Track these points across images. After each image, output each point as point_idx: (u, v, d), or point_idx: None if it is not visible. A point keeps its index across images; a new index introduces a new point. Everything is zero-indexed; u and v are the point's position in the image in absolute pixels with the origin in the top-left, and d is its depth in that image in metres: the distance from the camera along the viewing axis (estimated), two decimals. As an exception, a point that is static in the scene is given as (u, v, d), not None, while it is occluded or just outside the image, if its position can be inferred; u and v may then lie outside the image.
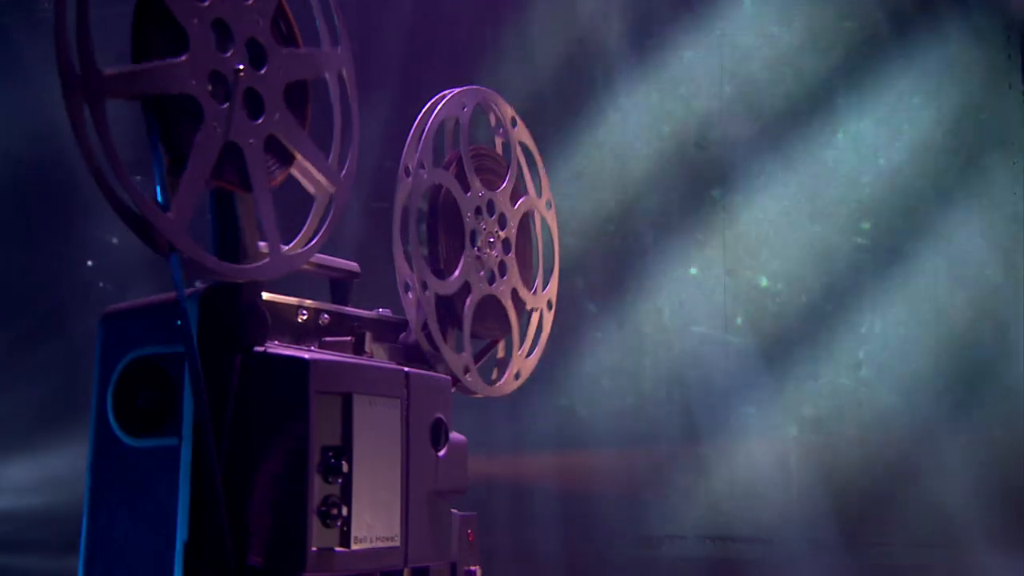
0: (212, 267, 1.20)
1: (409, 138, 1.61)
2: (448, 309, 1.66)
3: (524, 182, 1.86)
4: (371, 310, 1.61)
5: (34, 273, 6.24)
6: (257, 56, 1.30)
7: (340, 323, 1.49)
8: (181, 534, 1.16)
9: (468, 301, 1.67)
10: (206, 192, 1.25)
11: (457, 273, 1.66)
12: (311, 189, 1.42)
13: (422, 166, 1.61)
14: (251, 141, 1.27)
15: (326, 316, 1.47)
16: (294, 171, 1.38)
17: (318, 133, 1.43)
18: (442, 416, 1.47)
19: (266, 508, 1.21)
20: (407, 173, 1.58)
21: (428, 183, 1.63)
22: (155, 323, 1.24)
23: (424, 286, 1.58)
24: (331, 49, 1.46)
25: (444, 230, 1.70)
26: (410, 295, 1.56)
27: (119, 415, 1.23)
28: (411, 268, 1.58)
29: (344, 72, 1.47)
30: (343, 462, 1.24)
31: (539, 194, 1.87)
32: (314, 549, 1.19)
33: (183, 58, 1.17)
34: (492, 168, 1.80)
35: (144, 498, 1.22)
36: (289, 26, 1.40)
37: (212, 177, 1.22)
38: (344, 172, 1.45)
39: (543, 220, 1.89)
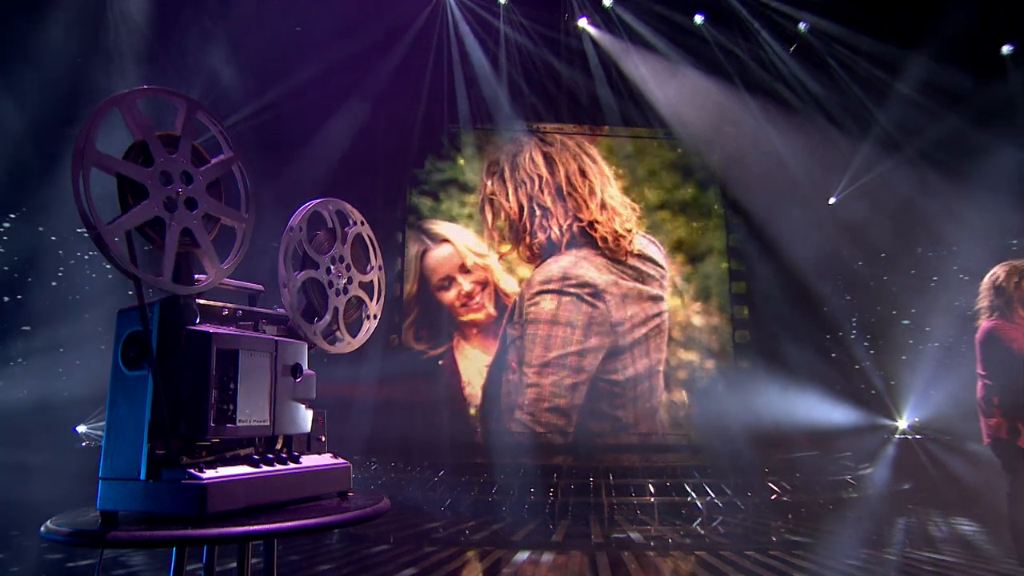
0: (171, 288, 1.49)
1: (293, 216, 1.78)
2: (310, 308, 1.83)
3: (368, 251, 2.00)
4: (271, 309, 1.79)
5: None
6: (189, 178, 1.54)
7: (248, 316, 1.71)
8: (147, 416, 1.42)
9: (328, 307, 1.84)
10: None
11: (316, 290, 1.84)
12: (232, 223, 1.64)
13: (300, 231, 1.78)
14: (194, 222, 1.53)
15: (240, 312, 1.69)
16: (223, 220, 1.61)
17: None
18: (299, 362, 1.67)
19: (190, 404, 1.45)
20: (289, 234, 1.76)
21: (300, 241, 1.79)
22: (138, 317, 1.47)
23: (295, 293, 1.76)
24: (230, 152, 1.65)
25: (309, 268, 1.83)
26: (286, 295, 1.74)
27: (123, 359, 1.48)
28: (286, 280, 1.74)
29: (242, 167, 1.67)
30: (231, 383, 1.51)
31: (377, 258, 2.02)
32: (212, 424, 1.46)
33: (147, 201, 1.45)
34: (346, 237, 1.92)
35: (133, 399, 1.45)
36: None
37: (179, 247, 1.51)
38: (248, 214, 1.67)
39: (376, 273, 2.01)
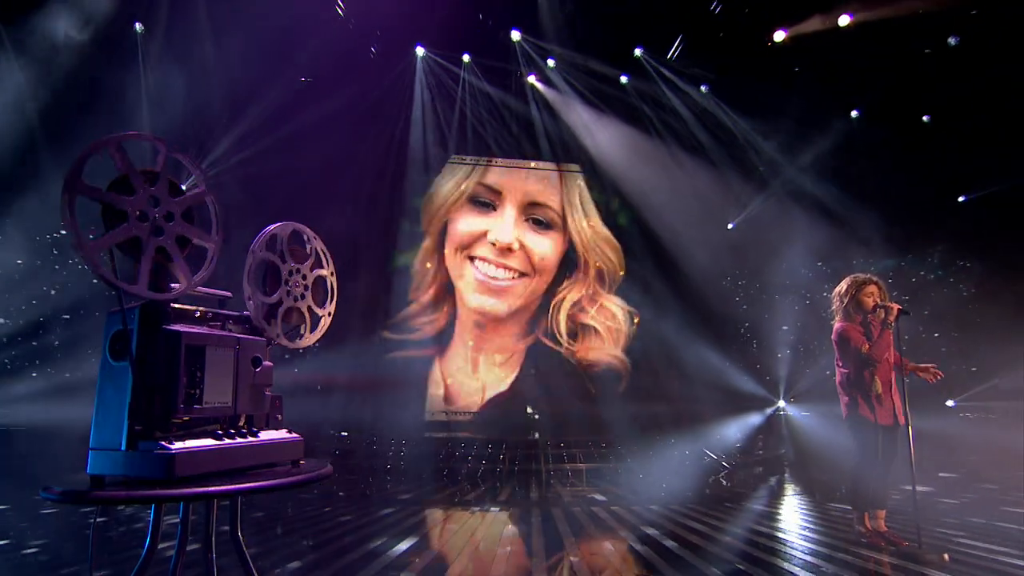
0: (145, 295, 1.50)
1: (255, 240, 1.80)
2: (272, 311, 1.84)
3: (321, 261, 1.99)
4: (240, 312, 1.78)
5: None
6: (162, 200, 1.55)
7: (216, 317, 1.69)
8: (128, 399, 1.42)
9: (281, 308, 1.85)
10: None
11: (276, 296, 1.84)
12: (203, 244, 1.66)
13: (261, 250, 1.81)
14: (168, 242, 1.55)
15: (210, 314, 1.68)
16: (195, 241, 1.63)
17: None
18: (259, 355, 1.67)
19: (163, 389, 1.45)
20: (252, 253, 1.79)
21: (262, 257, 1.82)
22: (121, 319, 1.47)
23: (258, 299, 1.80)
24: (202, 187, 1.66)
25: (271, 277, 1.86)
26: (250, 303, 1.77)
27: (111, 352, 1.49)
28: (251, 292, 1.77)
29: (212, 200, 1.69)
30: (199, 372, 1.51)
31: (328, 267, 2.02)
32: (181, 405, 1.46)
33: (125, 224, 1.48)
34: (300, 254, 1.94)
35: (117, 384, 1.45)
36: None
37: (154, 262, 1.53)
38: (217, 236, 1.68)
39: (328, 279, 2.01)
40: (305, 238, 1.98)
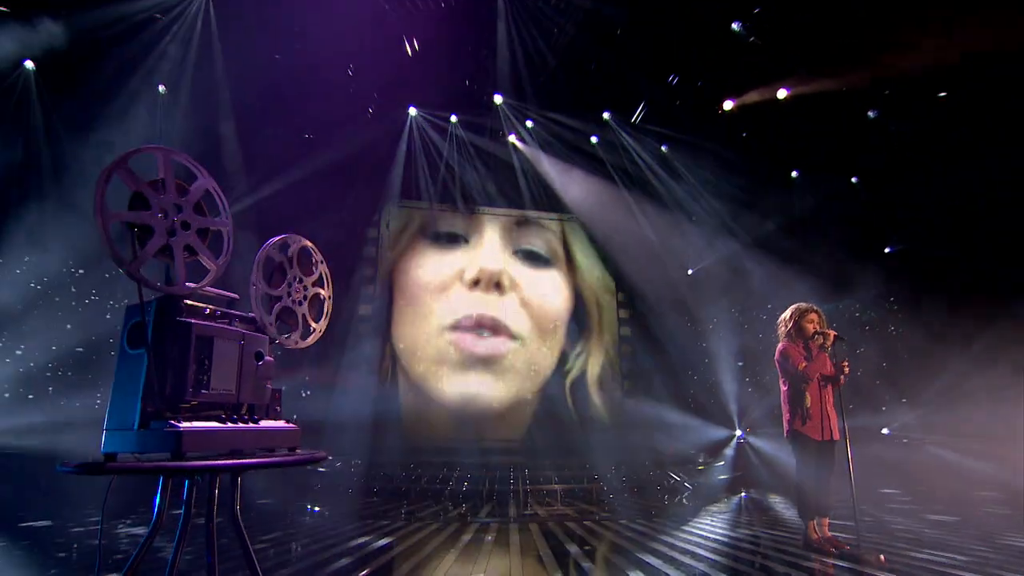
0: (163, 289, 1.54)
1: (269, 240, 1.86)
2: (271, 304, 1.84)
3: (323, 278, 2.02)
4: (246, 312, 1.79)
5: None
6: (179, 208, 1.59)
7: (224, 315, 1.72)
8: (142, 383, 1.44)
9: (279, 304, 1.87)
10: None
11: (279, 291, 1.87)
12: (218, 228, 1.69)
13: (273, 249, 1.85)
14: (192, 238, 1.60)
15: (219, 312, 1.70)
16: (212, 228, 1.67)
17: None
18: (261, 350, 1.69)
19: (174, 375, 1.48)
20: (265, 248, 1.83)
21: (273, 255, 1.86)
22: (139, 311, 1.50)
23: (263, 303, 1.82)
24: (203, 177, 1.68)
25: (277, 275, 1.88)
26: (254, 289, 1.79)
27: (128, 341, 1.50)
28: (256, 279, 1.80)
29: (215, 187, 1.70)
30: (207, 360, 1.54)
31: (327, 289, 2.03)
32: (190, 390, 1.49)
33: (155, 237, 1.53)
34: (307, 269, 1.96)
35: (132, 370, 1.47)
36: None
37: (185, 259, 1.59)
38: (227, 219, 1.71)
39: (326, 300, 2.02)
40: (314, 259, 2.02)
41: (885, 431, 8.09)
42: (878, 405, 8.30)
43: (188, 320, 1.56)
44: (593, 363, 9.02)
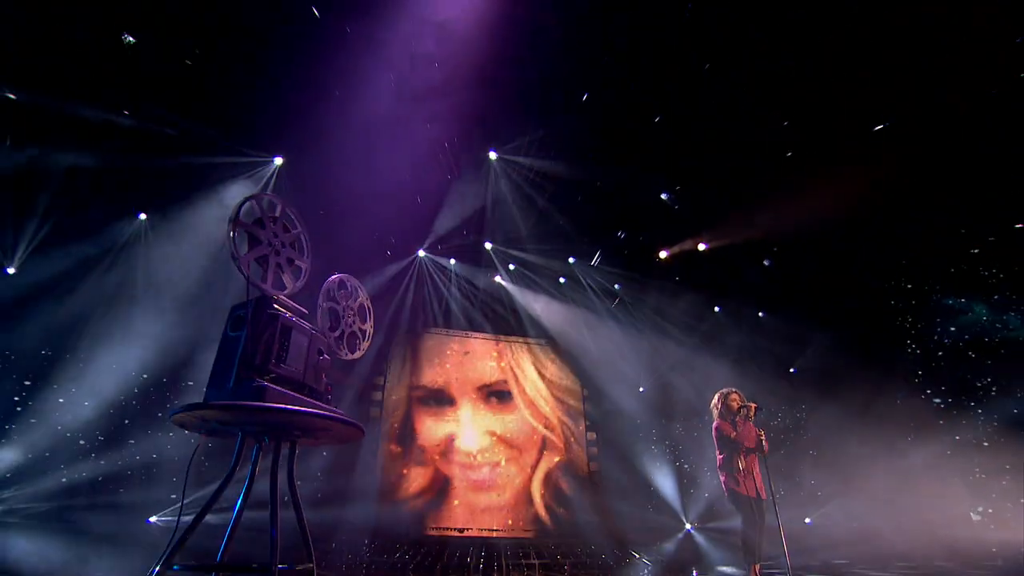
0: (260, 286, 1.78)
1: (325, 283, 2.17)
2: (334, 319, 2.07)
3: (366, 309, 2.23)
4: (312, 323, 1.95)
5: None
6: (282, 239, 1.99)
7: (300, 319, 1.85)
8: (238, 355, 1.62)
9: (339, 323, 2.09)
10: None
11: (337, 308, 2.11)
12: (300, 265, 2.00)
13: (335, 283, 2.13)
14: (282, 259, 1.90)
15: (296, 316, 1.83)
16: (296, 263, 1.97)
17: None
18: (322, 349, 1.88)
19: (262, 352, 1.65)
20: (330, 282, 2.13)
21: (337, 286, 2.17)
22: (244, 305, 1.75)
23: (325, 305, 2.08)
24: (298, 228, 2.16)
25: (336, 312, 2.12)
26: (321, 308, 2.03)
27: (231, 327, 1.70)
28: (322, 301, 2.05)
29: (304, 236, 2.14)
30: (286, 343, 1.71)
31: (366, 317, 2.23)
32: (272, 362, 1.66)
33: (260, 245, 1.87)
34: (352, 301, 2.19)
35: (230, 348, 1.65)
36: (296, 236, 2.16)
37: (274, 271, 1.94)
38: (307, 259, 1.99)
39: (368, 331, 2.23)
40: (359, 292, 2.29)
41: (808, 521, 7.77)
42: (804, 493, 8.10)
43: (276, 312, 1.79)
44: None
